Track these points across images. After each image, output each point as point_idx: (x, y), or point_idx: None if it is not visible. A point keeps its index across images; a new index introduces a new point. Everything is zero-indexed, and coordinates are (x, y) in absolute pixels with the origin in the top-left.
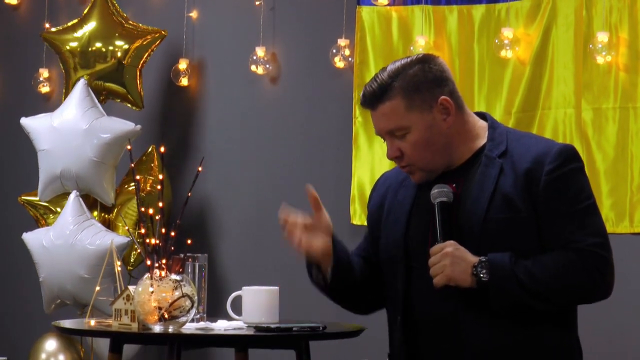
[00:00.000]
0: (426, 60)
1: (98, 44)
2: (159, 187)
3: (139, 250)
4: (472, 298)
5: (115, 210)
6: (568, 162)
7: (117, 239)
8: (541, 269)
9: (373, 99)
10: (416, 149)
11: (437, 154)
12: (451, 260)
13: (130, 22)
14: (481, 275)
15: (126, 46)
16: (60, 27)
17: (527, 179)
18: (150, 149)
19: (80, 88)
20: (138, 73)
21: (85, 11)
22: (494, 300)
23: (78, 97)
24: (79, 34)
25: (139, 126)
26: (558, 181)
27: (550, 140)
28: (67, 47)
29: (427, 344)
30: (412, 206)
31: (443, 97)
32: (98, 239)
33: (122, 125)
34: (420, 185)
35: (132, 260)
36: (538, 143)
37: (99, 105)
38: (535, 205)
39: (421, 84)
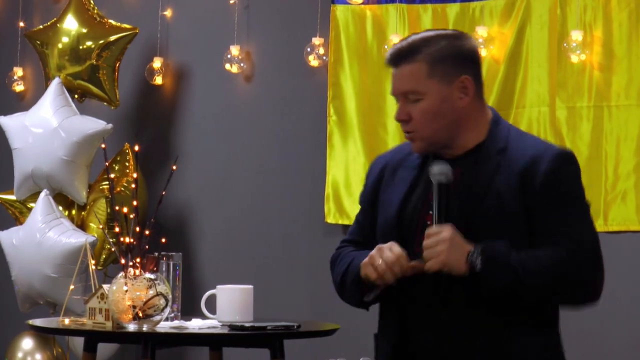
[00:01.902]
0: (461, 37)
1: (76, 43)
2: (133, 185)
3: (111, 250)
4: (462, 286)
5: (88, 208)
6: (566, 165)
7: (83, 238)
8: (535, 262)
9: (399, 57)
10: (424, 117)
11: (443, 128)
12: (448, 246)
13: (105, 20)
14: (476, 263)
15: (101, 44)
16: (41, 27)
17: (522, 177)
18: (124, 148)
19: (54, 87)
20: (113, 71)
21: (63, 10)
22: (485, 288)
23: (51, 96)
24: (57, 32)
25: (110, 125)
26: (554, 182)
27: (550, 143)
28: (47, 46)
29: (415, 328)
30: (410, 187)
31: (465, 76)
32: (65, 237)
33: (93, 124)
34: (421, 167)
35: (102, 260)
36: (537, 144)
37: (72, 103)
38: (529, 203)
39: (448, 56)
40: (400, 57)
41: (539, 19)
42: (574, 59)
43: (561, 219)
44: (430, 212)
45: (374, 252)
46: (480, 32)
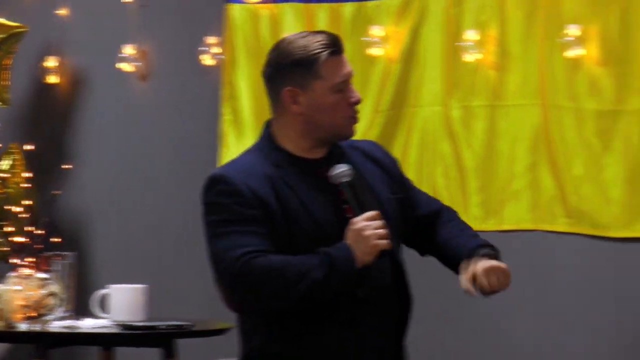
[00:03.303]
0: None
1: None
2: (26, 185)
3: (2, 249)
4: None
5: None
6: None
7: None
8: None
9: (340, 44)
10: None
11: None
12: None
13: None
14: None
15: None
16: None
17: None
18: (13, 147)
19: None
20: (3, 69)
21: None
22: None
23: None
24: None
25: None
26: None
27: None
28: None
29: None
30: (319, 191)
31: None
32: None
33: None
34: (308, 174)
35: None
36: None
37: None
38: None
39: None
40: (341, 44)
41: (434, 18)
42: (469, 58)
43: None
44: (346, 207)
45: (357, 234)
46: (376, 31)
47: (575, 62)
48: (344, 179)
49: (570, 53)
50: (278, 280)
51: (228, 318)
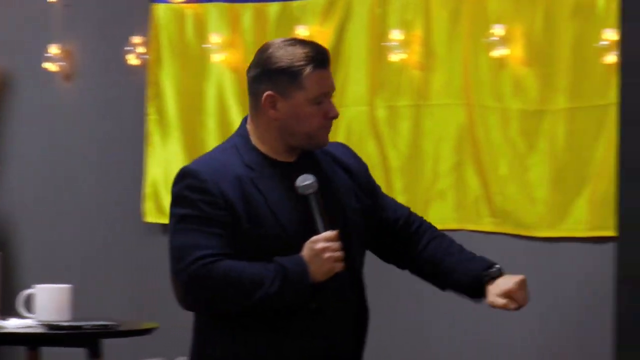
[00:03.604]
0: None
1: None
2: None
3: None
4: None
5: None
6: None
7: None
8: None
9: (328, 59)
10: None
11: None
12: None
13: None
14: None
15: None
16: None
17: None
18: None
19: None
20: None
21: None
22: None
23: None
24: None
25: None
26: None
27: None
28: None
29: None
30: (285, 197)
31: None
32: None
33: None
34: (280, 179)
35: None
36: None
37: None
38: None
39: None
40: (329, 59)
41: (359, 18)
42: (394, 58)
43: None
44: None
45: (316, 254)
46: (300, 31)
47: (500, 62)
48: (308, 191)
49: (495, 53)
50: (232, 288)
51: (153, 318)
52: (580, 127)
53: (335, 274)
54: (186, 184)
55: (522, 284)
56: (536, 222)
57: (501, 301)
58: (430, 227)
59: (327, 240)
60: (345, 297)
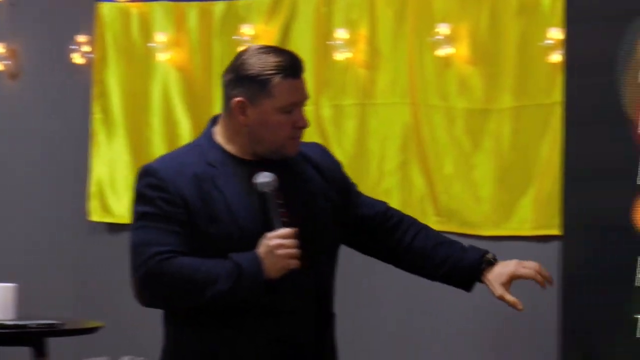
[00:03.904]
0: None
1: None
2: None
3: None
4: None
5: None
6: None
7: None
8: None
9: (300, 68)
10: None
11: None
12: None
13: None
14: None
15: None
16: None
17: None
18: None
19: None
20: None
21: None
22: None
23: None
24: None
25: None
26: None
27: None
28: None
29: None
30: (245, 195)
31: None
32: None
33: None
34: (241, 177)
35: None
36: None
37: None
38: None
39: None
40: (301, 69)
41: (305, 17)
42: (339, 57)
43: None
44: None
45: (270, 250)
46: (246, 30)
47: (445, 61)
48: (266, 188)
49: (440, 52)
50: (186, 285)
51: (98, 317)
52: (526, 126)
53: (297, 274)
54: (146, 182)
55: (519, 263)
56: (481, 221)
57: (512, 298)
58: (413, 220)
59: (282, 237)
60: (303, 297)
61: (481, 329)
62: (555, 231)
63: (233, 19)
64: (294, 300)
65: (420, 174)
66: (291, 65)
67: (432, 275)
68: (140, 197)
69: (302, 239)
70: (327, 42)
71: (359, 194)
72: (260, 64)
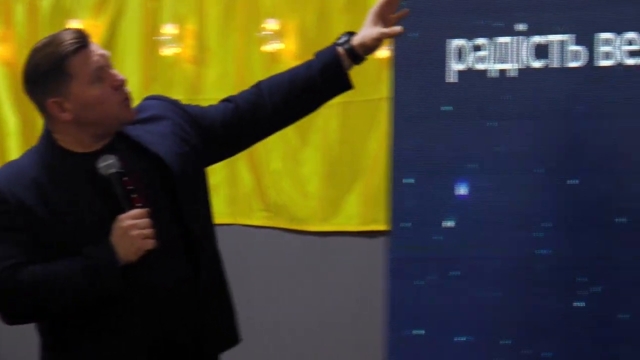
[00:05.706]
0: None
1: None
2: None
3: None
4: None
5: None
6: None
7: None
8: None
9: (84, 35)
10: None
11: None
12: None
13: None
14: None
15: None
16: None
17: None
18: None
19: None
20: None
21: None
22: None
23: None
24: None
25: None
26: None
27: None
28: None
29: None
30: (92, 189)
31: None
32: None
33: None
34: (81, 170)
35: None
36: None
37: None
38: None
39: None
40: (85, 36)
41: (133, 12)
42: (167, 52)
43: None
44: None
45: (123, 233)
46: (73, 25)
47: (274, 56)
48: (109, 171)
49: (269, 47)
50: (42, 292)
51: None
52: (353, 122)
53: (164, 253)
54: None
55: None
56: (309, 216)
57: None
58: (257, 88)
59: (134, 218)
60: (178, 276)
61: (315, 324)
62: (382, 226)
63: (60, 13)
64: (167, 282)
65: (247, 169)
66: (73, 40)
67: (310, 101)
68: None
69: (162, 213)
70: (155, 38)
71: (206, 110)
72: (46, 58)
